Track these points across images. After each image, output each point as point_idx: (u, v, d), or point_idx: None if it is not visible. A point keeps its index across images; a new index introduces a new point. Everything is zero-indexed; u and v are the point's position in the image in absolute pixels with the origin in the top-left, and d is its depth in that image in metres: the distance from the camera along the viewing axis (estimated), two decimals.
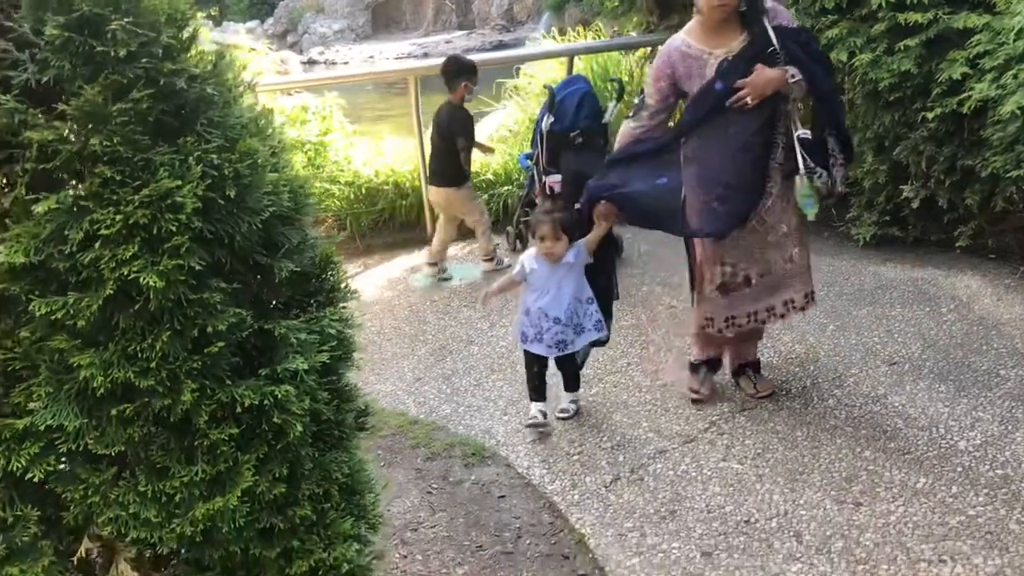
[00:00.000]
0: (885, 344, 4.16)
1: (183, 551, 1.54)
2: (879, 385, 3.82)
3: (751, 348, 3.99)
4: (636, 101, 3.70)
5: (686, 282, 3.93)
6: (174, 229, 1.34)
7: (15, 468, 1.41)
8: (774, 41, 3.38)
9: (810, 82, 3.40)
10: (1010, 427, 3.42)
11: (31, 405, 1.41)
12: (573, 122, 5.28)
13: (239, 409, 1.47)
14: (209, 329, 1.42)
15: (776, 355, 4.21)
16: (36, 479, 1.43)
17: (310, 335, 1.56)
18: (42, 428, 1.39)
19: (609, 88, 6.57)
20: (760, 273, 3.63)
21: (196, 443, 1.47)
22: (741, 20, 3.44)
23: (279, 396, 1.49)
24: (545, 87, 5.69)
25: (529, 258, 3.74)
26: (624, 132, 3.70)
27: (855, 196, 5.55)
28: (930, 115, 4.72)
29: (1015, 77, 4.17)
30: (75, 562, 1.53)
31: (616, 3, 6.78)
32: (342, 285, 1.71)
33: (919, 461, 3.28)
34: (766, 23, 3.40)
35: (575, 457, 3.57)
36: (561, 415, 3.85)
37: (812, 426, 3.59)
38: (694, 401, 3.88)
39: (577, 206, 3.73)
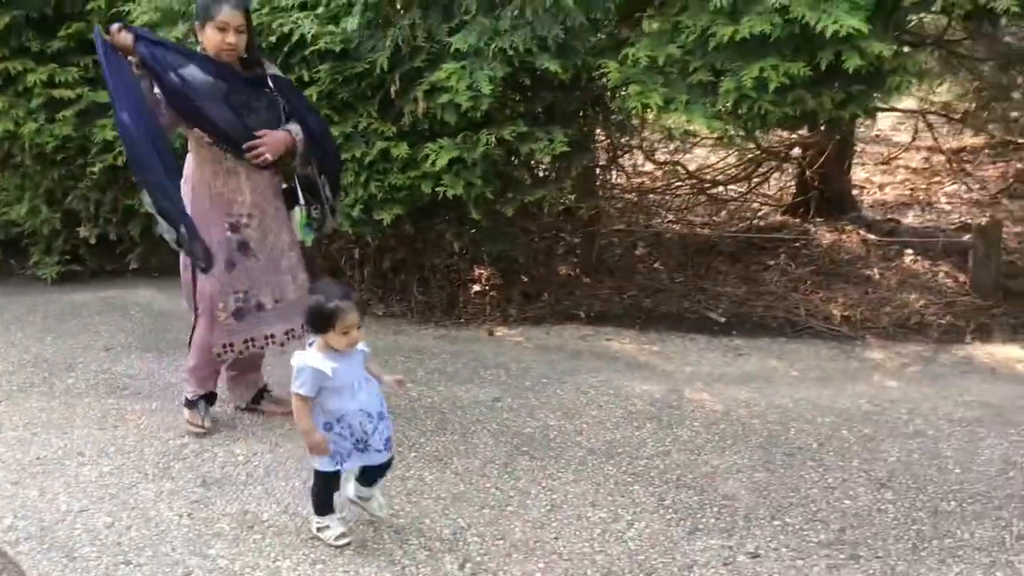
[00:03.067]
0: (100, 337, 5.61)
1: None
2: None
3: (259, 375, 4.40)
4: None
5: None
6: None
7: None
8: (271, 84, 3.88)
9: (308, 131, 3.94)
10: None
11: None
12: None
13: None
14: None
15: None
16: None
17: None
18: None
19: None
20: (275, 299, 4.04)
21: None
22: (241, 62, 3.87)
23: None
24: None
25: (317, 360, 3.10)
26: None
27: (33, 244, 6.85)
28: (95, 169, 6.31)
29: None
30: None
31: None
32: None
33: None
34: (265, 70, 3.92)
35: None
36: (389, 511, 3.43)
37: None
38: (198, 435, 4.12)
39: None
